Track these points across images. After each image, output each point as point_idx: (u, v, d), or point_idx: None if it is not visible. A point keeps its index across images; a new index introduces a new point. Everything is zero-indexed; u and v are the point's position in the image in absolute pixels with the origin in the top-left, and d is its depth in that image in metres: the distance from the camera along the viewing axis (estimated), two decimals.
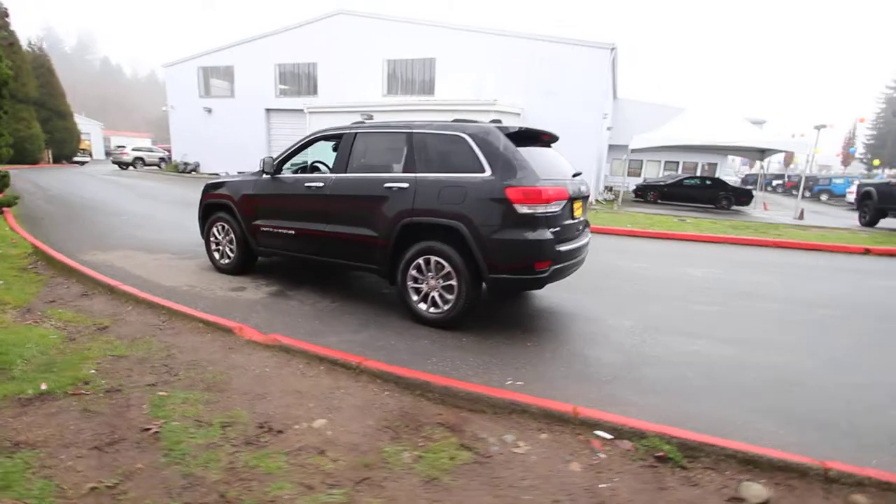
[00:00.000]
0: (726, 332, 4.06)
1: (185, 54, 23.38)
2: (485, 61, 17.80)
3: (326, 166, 5.36)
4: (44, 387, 2.42)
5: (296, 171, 5.13)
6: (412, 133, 4.03)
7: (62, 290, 4.39)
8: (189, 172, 22.71)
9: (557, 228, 3.70)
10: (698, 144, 17.23)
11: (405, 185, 3.89)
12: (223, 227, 5.24)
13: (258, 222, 4.86)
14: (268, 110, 21.85)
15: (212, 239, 5.39)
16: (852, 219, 15.90)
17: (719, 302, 4.99)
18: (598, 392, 2.86)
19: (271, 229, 4.77)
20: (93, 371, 2.67)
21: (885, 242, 8.71)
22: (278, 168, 4.79)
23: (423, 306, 3.93)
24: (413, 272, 3.93)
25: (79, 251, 5.91)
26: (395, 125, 4.20)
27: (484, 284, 3.74)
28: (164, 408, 2.34)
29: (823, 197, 28.25)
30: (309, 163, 5.25)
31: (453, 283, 3.74)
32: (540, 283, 3.67)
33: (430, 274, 3.86)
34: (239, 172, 5.75)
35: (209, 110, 22.73)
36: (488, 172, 3.61)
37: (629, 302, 4.87)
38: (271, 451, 2.05)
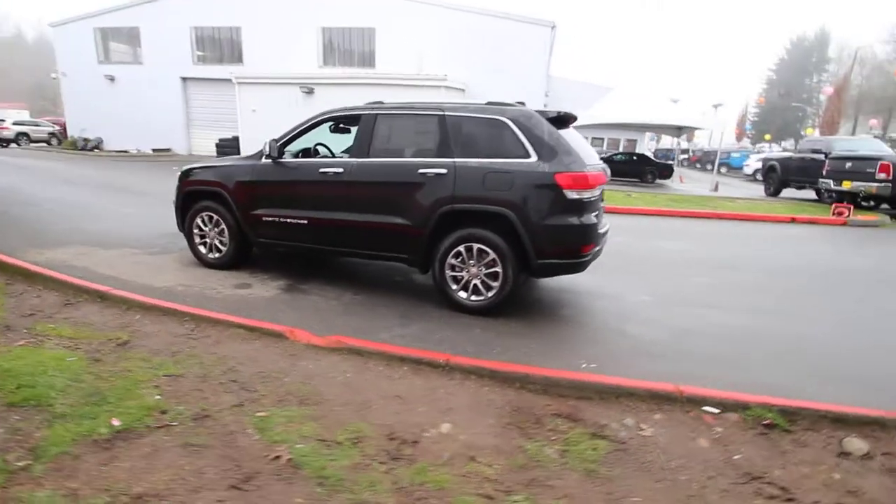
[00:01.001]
0: (731, 302, 4.45)
1: (75, 12, 20.09)
2: (426, 34, 17.35)
3: (328, 149, 4.99)
4: (116, 423, 2.05)
5: (297, 155, 4.71)
6: (445, 115, 3.85)
7: (34, 300, 3.71)
8: (91, 150, 19.87)
9: (596, 212, 3.80)
10: (630, 123, 18.39)
11: (443, 170, 3.74)
12: (210, 218, 4.70)
13: (259, 212, 4.42)
14: (184, 79, 19.65)
15: (196, 231, 4.82)
16: (755, 189, 18.05)
17: (707, 273, 5.46)
18: (666, 367, 3.03)
19: (276, 219, 4.36)
20: (158, 397, 2.32)
21: (802, 212, 10.01)
22: (280, 152, 4.35)
23: (463, 294, 3.86)
24: (452, 260, 3.83)
25: (18, 250, 4.99)
26: (423, 106, 3.99)
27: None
28: (273, 430, 2.11)
29: (723, 170, 31.69)
30: (312, 146, 4.82)
31: (498, 269, 3.70)
32: (583, 267, 3.76)
33: (471, 262, 3.79)
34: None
35: (112, 78, 19.92)
36: (534, 157, 3.58)
37: (632, 278, 5.16)
38: (426, 465, 1.94)
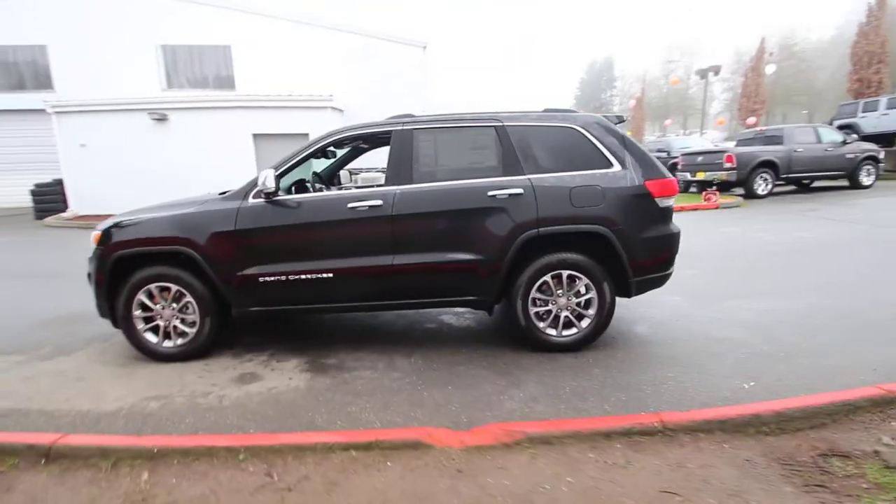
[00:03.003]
0: (746, 288, 4.61)
1: None
2: (293, 53, 16.01)
3: (320, 178, 3.91)
4: None
5: (289, 190, 3.58)
6: (504, 126, 3.27)
7: None
8: None
9: None
10: None
11: (518, 190, 3.15)
12: (163, 290, 3.28)
13: (254, 270, 3.21)
14: None
15: (138, 314, 3.31)
16: None
17: (682, 265, 5.67)
18: (807, 366, 2.92)
19: (283, 277, 3.21)
20: None
21: (681, 201, 11.59)
22: (277, 187, 3.22)
23: (552, 332, 3.30)
24: (535, 294, 3.24)
25: None
26: (474, 117, 3.33)
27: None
28: None
29: None
30: (310, 176, 3.71)
31: (591, 295, 3.24)
32: (669, 278, 3.52)
33: (559, 292, 3.25)
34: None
35: None
36: (617, 167, 3.23)
37: None
38: None
